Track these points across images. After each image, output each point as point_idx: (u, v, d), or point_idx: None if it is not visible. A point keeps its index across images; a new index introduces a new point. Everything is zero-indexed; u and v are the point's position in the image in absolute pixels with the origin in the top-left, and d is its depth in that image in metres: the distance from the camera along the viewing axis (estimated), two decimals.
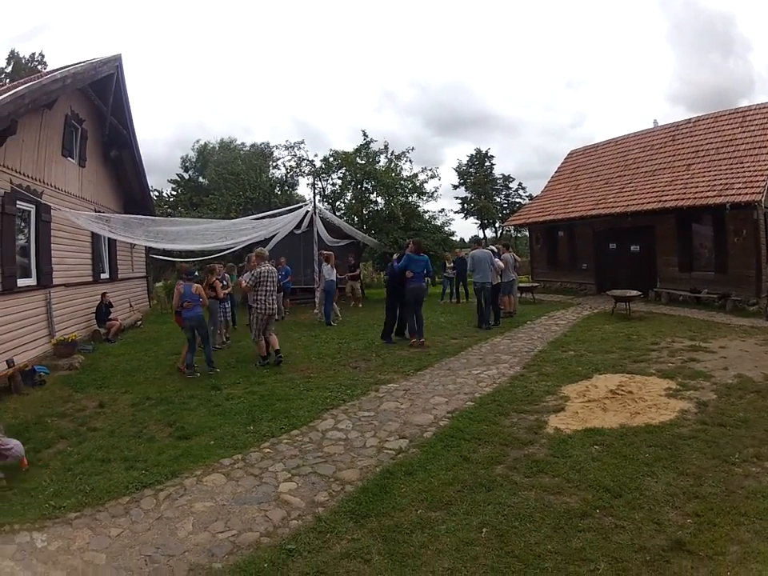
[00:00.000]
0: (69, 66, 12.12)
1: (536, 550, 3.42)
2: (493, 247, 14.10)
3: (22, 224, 10.31)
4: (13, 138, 9.22)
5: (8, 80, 27.60)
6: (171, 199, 35.53)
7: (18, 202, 9.74)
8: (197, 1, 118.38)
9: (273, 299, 9.45)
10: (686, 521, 3.72)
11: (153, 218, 14.42)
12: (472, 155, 48.76)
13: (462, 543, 3.55)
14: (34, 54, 36.90)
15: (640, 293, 14.26)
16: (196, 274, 10.26)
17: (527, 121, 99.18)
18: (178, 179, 38.19)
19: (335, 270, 14.82)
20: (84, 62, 12.52)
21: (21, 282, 9.80)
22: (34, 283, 10.41)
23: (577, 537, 3.55)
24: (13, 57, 35.51)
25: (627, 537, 3.53)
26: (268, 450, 5.44)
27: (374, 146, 23.85)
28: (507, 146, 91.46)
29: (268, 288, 9.32)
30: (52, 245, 11.25)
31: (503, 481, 4.44)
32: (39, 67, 35.37)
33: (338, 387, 7.67)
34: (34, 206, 10.46)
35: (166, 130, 71.97)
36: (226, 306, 12.15)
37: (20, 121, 9.17)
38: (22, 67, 34.56)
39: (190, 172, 39.90)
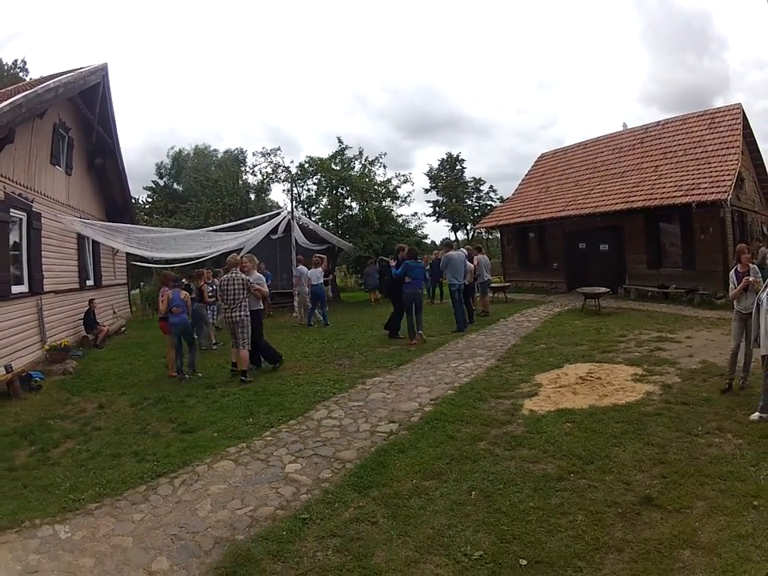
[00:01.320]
0: (55, 74, 12.40)
1: (520, 506, 3.92)
2: (463, 249, 14.55)
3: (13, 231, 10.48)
4: (6, 146, 9.43)
5: None
6: (147, 206, 35.52)
7: (11, 209, 9.95)
8: (165, 6, 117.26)
9: (233, 308, 8.81)
10: (653, 481, 4.22)
11: (143, 227, 14.75)
12: (443, 159, 48.93)
13: (455, 504, 4.04)
14: (16, 60, 36.46)
15: (608, 289, 14.83)
16: (183, 281, 10.54)
17: (499, 123, 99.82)
18: (154, 186, 38.19)
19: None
20: (72, 71, 12.74)
21: (14, 289, 10.00)
22: (27, 290, 10.59)
23: (555, 495, 4.06)
24: None
25: (600, 495, 4.03)
26: (270, 438, 5.85)
27: (349, 153, 24.37)
28: (479, 148, 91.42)
29: (228, 297, 8.85)
30: (42, 252, 11.44)
31: (486, 454, 4.96)
32: (21, 74, 35.08)
33: (326, 382, 8.10)
34: (25, 214, 10.66)
35: (136, 136, 71.00)
36: (214, 309, 12.55)
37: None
38: (5, 74, 34.20)
39: (164, 179, 39.91)
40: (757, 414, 5.43)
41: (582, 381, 7.22)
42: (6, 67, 35.52)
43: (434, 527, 3.75)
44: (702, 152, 16.94)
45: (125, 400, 7.92)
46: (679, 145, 18.17)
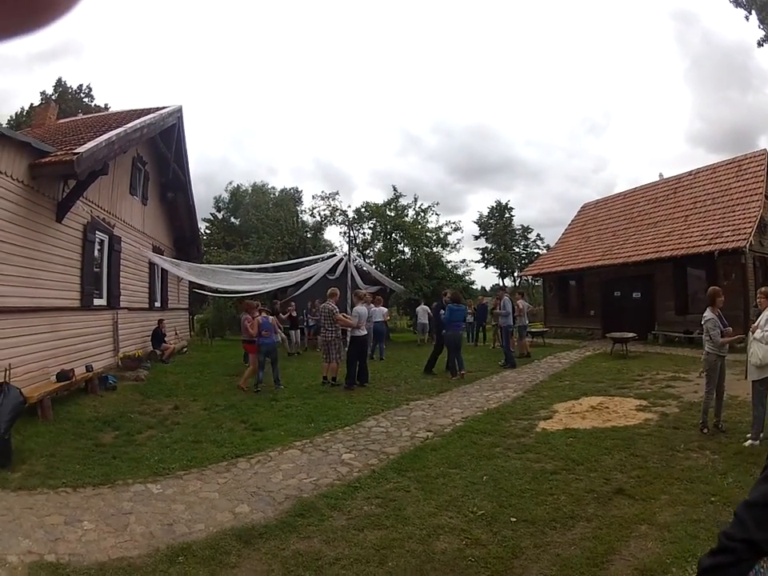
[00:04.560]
0: (133, 111, 14.25)
1: (519, 487, 5.08)
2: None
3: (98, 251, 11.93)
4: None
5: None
6: (205, 238, 37.51)
7: (96, 231, 11.46)
8: (217, 38, 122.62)
9: (323, 330, 11.58)
10: (629, 479, 5.22)
11: (219, 266, 16.58)
12: (492, 207, 50.62)
13: (469, 483, 5.25)
14: (81, 85, 38.55)
15: (635, 334, 15.59)
16: (268, 310, 12.05)
17: (550, 167, 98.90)
18: (212, 219, 40.36)
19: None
20: (149, 109, 14.44)
21: (95, 302, 11.43)
22: (105, 304, 12.05)
23: (547, 482, 5.20)
24: (60, 86, 37.11)
25: (582, 485, 5.13)
26: (328, 437, 7.17)
27: (403, 201, 25.95)
28: (530, 193, 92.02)
29: (321, 320, 11.80)
30: (120, 272, 12.94)
31: (500, 455, 6.15)
32: (86, 100, 37.24)
33: (376, 402, 9.45)
34: (107, 236, 12.19)
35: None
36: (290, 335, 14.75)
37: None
38: (68, 96, 36.11)
39: (222, 212, 42.12)
40: (749, 441, 6.02)
41: (593, 409, 8.29)
42: (70, 90, 37.50)
43: (452, 495, 4.96)
44: (728, 200, 17.67)
45: (197, 405, 9.29)
46: (708, 194, 18.97)
